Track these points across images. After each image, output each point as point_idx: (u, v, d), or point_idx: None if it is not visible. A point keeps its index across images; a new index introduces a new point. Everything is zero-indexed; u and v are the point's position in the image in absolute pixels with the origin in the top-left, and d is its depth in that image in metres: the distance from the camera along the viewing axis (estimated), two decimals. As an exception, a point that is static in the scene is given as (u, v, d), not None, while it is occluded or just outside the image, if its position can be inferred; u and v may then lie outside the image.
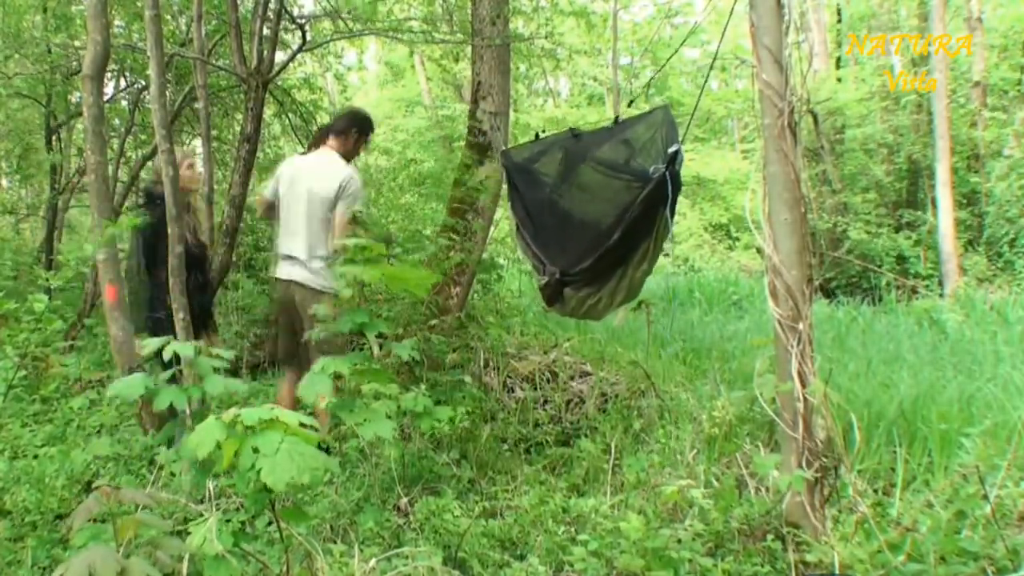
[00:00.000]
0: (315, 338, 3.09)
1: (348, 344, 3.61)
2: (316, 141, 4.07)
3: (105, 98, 5.75)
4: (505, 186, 4.53)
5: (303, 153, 4.11)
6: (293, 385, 3.96)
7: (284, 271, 3.82)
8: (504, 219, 4.98)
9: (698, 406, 4.09)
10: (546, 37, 8.89)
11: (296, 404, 3.93)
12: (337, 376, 2.66)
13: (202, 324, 4.07)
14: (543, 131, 4.55)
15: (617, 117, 3.99)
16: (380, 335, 2.98)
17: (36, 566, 2.58)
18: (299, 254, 3.76)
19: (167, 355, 2.25)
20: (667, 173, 3.41)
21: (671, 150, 3.43)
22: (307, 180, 3.79)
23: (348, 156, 3.93)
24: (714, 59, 3.82)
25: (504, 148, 4.60)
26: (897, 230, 13.27)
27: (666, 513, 2.71)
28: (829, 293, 11.92)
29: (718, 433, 3.31)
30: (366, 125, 4.00)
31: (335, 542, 2.57)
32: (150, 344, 2.27)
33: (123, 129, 8.58)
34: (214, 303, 4.43)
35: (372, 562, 2.29)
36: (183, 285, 3.62)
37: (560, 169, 4.08)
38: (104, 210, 3.77)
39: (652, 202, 3.51)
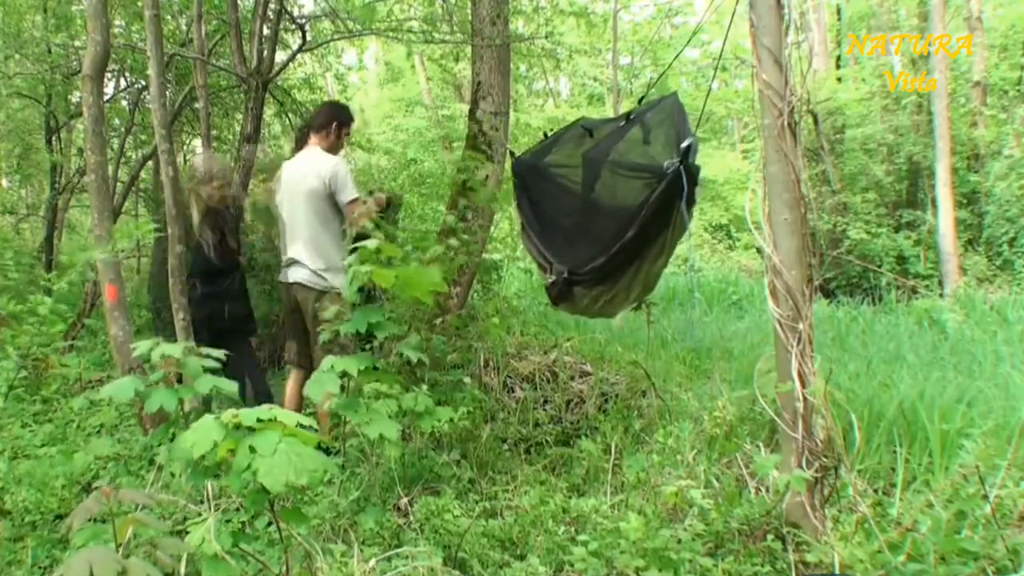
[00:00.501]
0: (323, 340, 3.12)
1: (354, 344, 3.63)
2: (300, 141, 4.13)
3: (105, 98, 5.75)
4: (507, 185, 4.52)
5: (290, 157, 4.15)
6: (299, 385, 3.98)
7: (288, 275, 3.89)
8: (504, 219, 4.98)
9: (698, 406, 4.09)
10: (546, 37, 8.89)
11: (302, 403, 3.96)
12: (342, 375, 2.67)
13: (235, 332, 4.12)
14: (550, 131, 4.54)
15: (629, 114, 3.96)
16: (388, 335, 2.99)
17: (36, 566, 2.58)
18: (300, 256, 3.82)
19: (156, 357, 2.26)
20: (681, 167, 3.40)
21: (684, 144, 3.42)
22: (296, 182, 3.85)
23: (332, 149, 3.96)
24: (719, 60, 3.81)
25: (515, 155, 4.57)
26: (897, 230, 13.26)
27: (666, 513, 2.71)
28: (829, 293, 11.92)
29: (718, 433, 3.31)
30: (344, 116, 4.02)
31: (335, 542, 2.57)
32: (141, 346, 2.27)
33: (123, 129, 8.58)
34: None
35: (372, 562, 2.29)
36: (183, 286, 3.63)
37: (582, 174, 4.05)
38: (104, 210, 3.77)
39: (668, 197, 3.49)
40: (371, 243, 2.78)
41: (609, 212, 3.93)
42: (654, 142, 3.74)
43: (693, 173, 3.46)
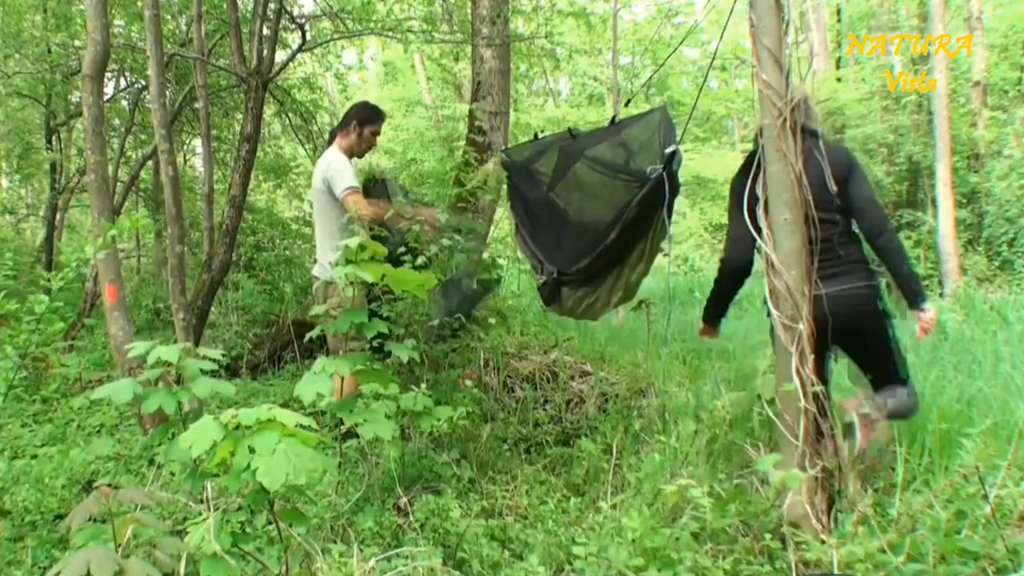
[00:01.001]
0: (314, 334, 3.13)
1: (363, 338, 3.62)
2: (329, 141, 4.17)
3: (105, 98, 5.75)
4: (505, 185, 4.53)
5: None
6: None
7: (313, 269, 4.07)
8: (504, 219, 4.98)
9: (698, 406, 4.08)
10: (546, 37, 8.88)
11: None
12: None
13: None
14: (542, 131, 4.54)
15: (614, 117, 3.98)
16: (379, 335, 2.98)
17: (36, 566, 2.58)
18: (318, 250, 3.98)
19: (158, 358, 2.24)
20: (664, 174, 3.40)
21: (668, 151, 3.42)
22: (313, 181, 3.97)
23: (355, 150, 3.98)
24: (713, 58, 3.81)
25: (504, 148, 4.60)
26: (897, 230, 13.25)
27: (666, 513, 2.70)
28: (829, 293, 11.89)
29: (719, 433, 3.31)
30: (363, 114, 4.02)
31: (335, 542, 2.57)
32: (138, 347, 2.26)
33: (123, 129, 8.59)
34: None
35: (372, 562, 2.28)
36: (183, 285, 3.62)
37: (556, 168, 4.07)
38: (104, 209, 3.77)
39: (649, 202, 3.50)
40: (354, 241, 2.77)
41: (585, 208, 3.96)
42: (638, 150, 3.74)
43: (676, 182, 3.46)
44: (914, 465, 3.26)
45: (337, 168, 3.78)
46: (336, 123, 4.28)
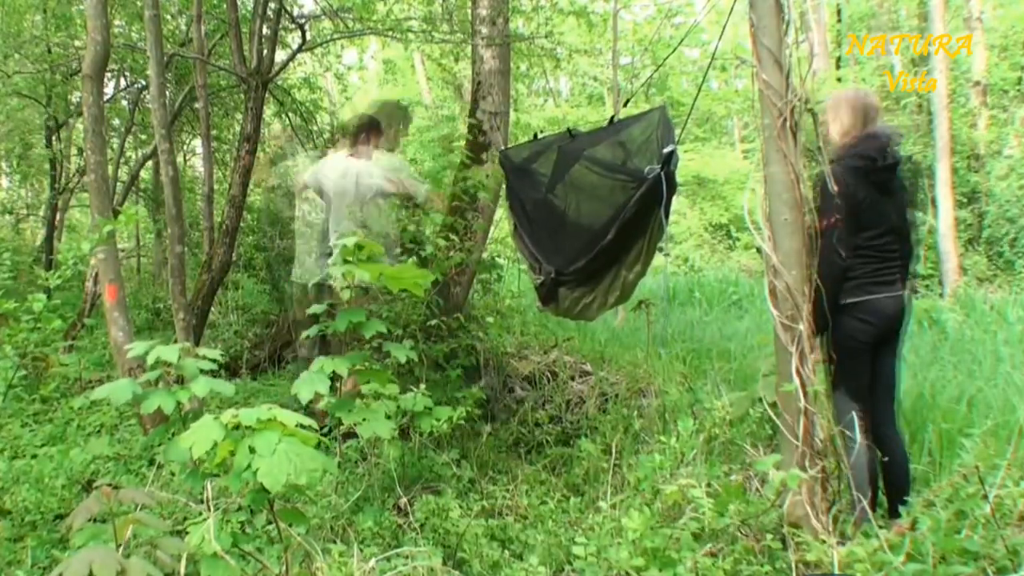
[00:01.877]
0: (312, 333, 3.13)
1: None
2: (364, 139, 4.31)
3: (105, 98, 5.75)
4: (504, 185, 4.53)
5: (350, 154, 4.28)
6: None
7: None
8: (504, 219, 4.99)
9: (699, 406, 4.08)
10: (546, 37, 8.88)
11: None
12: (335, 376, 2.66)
13: None
14: (542, 131, 4.56)
15: (613, 117, 3.99)
16: (378, 334, 2.98)
17: (36, 566, 2.58)
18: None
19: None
20: (662, 174, 3.40)
21: (666, 151, 3.42)
22: (363, 181, 4.14)
23: (391, 148, 4.18)
24: (712, 58, 3.81)
25: (503, 148, 4.60)
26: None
27: (667, 513, 2.70)
28: (829, 293, 11.89)
29: (719, 433, 3.31)
30: (409, 117, 4.20)
31: (335, 542, 2.57)
32: (137, 347, 2.26)
33: (123, 129, 8.59)
34: None
35: (371, 562, 2.29)
36: (183, 285, 3.62)
37: (555, 169, 4.08)
38: (104, 209, 3.76)
39: (646, 202, 3.50)
40: (351, 240, 2.78)
41: (583, 208, 3.97)
42: (636, 150, 3.75)
43: (673, 181, 3.46)
44: (914, 465, 3.26)
45: (408, 174, 4.01)
46: (363, 121, 4.39)
